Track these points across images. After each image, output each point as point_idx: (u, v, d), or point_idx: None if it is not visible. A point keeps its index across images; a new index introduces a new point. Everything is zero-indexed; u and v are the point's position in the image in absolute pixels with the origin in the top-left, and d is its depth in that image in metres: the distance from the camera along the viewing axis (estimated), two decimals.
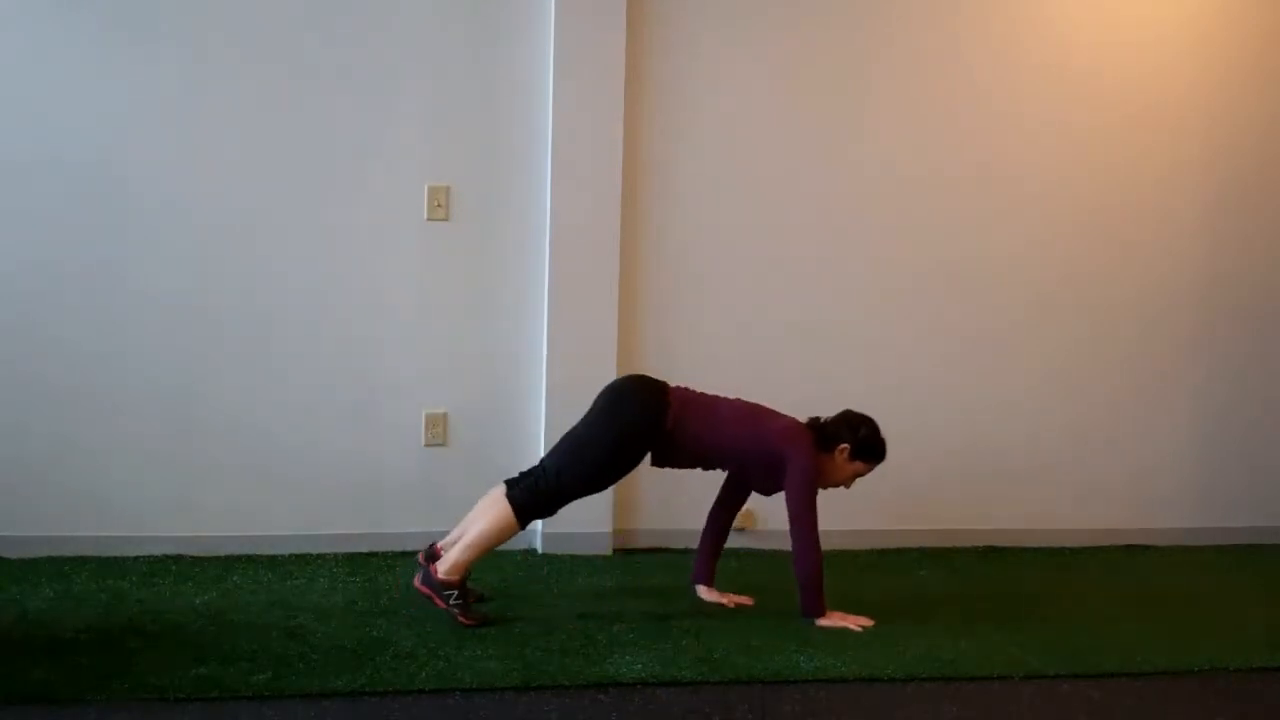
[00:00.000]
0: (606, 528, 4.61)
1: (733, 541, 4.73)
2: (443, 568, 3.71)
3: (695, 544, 4.72)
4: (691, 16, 4.64)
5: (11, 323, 4.22)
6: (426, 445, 4.53)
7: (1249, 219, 5.17)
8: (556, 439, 4.46)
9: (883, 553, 4.82)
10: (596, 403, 3.86)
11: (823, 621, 3.82)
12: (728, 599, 4.03)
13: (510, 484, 3.80)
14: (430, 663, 3.37)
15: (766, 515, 4.76)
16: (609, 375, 4.53)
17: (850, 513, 4.84)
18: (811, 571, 3.80)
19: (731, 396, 3.97)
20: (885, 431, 4.82)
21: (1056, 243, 5.00)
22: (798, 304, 4.79)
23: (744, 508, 4.73)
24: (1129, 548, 5.07)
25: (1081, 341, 5.06)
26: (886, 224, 4.85)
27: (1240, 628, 4.02)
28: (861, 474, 3.98)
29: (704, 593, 4.07)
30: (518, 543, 4.58)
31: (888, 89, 4.82)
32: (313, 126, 4.39)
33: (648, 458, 3.86)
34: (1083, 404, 5.08)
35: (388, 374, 4.51)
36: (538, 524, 4.57)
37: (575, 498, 3.80)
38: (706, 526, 4.12)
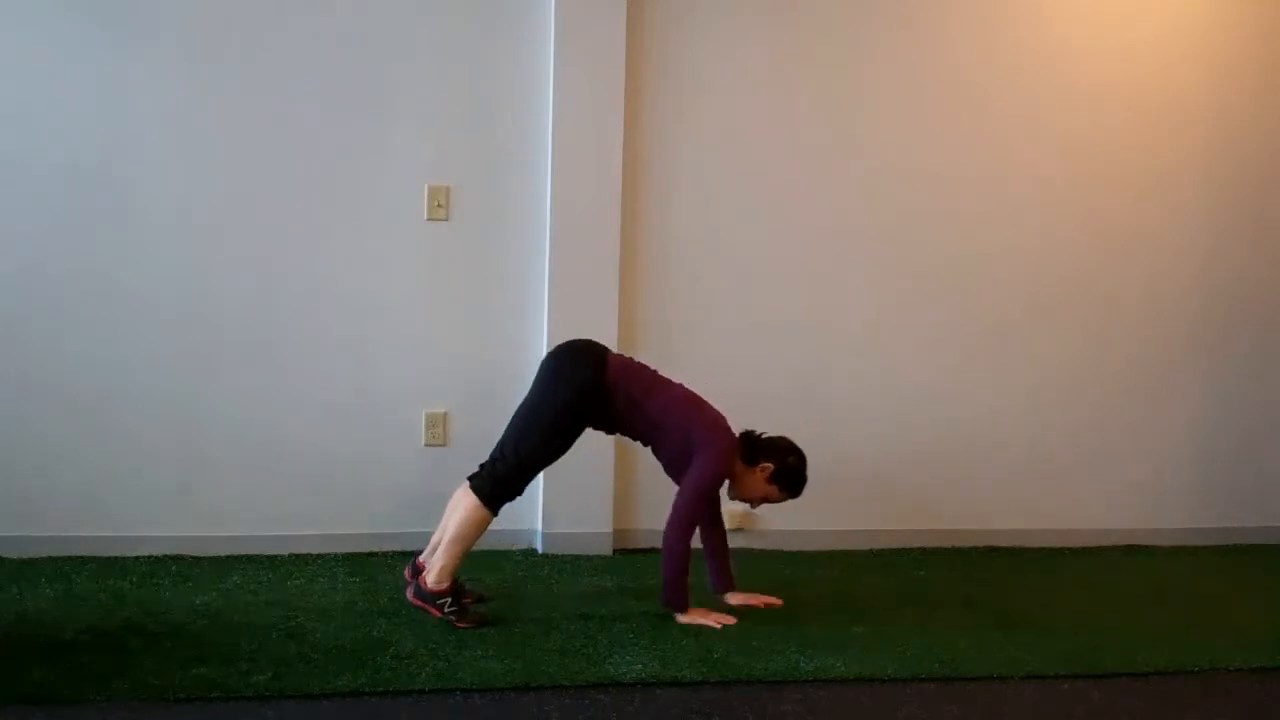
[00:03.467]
0: (606, 528, 4.61)
1: (731, 541, 4.74)
2: (431, 577, 3.71)
3: (695, 544, 4.72)
4: (692, 16, 4.64)
5: (11, 323, 4.23)
6: (426, 445, 4.53)
7: (1249, 219, 5.17)
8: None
9: (883, 553, 4.81)
10: (540, 370, 3.84)
11: (682, 618, 3.79)
12: (757, 600, 4.02)
13: (473, 477, 3.79)
14: (430, 663, 3.37)
15: (767, 515, 4.77)
16: None
17: (851, 512, 4.86)
18: (677, 567, 3.76)
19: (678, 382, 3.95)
20: (886, 429, 4.87)
21: (1057, 242, 5.00)
22: (798, 303, 4.79)
23: (742, 508, 4.74)
24: (1129, 548, 5.07)
25: (1081, 341, 5.06)
26: (887, 223, 4.85)
27: (1240, 628, 4.02)
28: (771, 499, 3.95)
29: (732, 599, 4.03)
30: (518, 542, 4.60)
31: (889, 87, 4.82)
32: (313, 127, 4.39)
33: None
34: (1083, 404, 5.08)
35: (388, 374, 4.51)
36: (538, 525, 4.58)
37: (537, 471, 3.79)
38: (701, 534, 4.05)
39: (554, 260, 4.52)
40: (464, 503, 3.73)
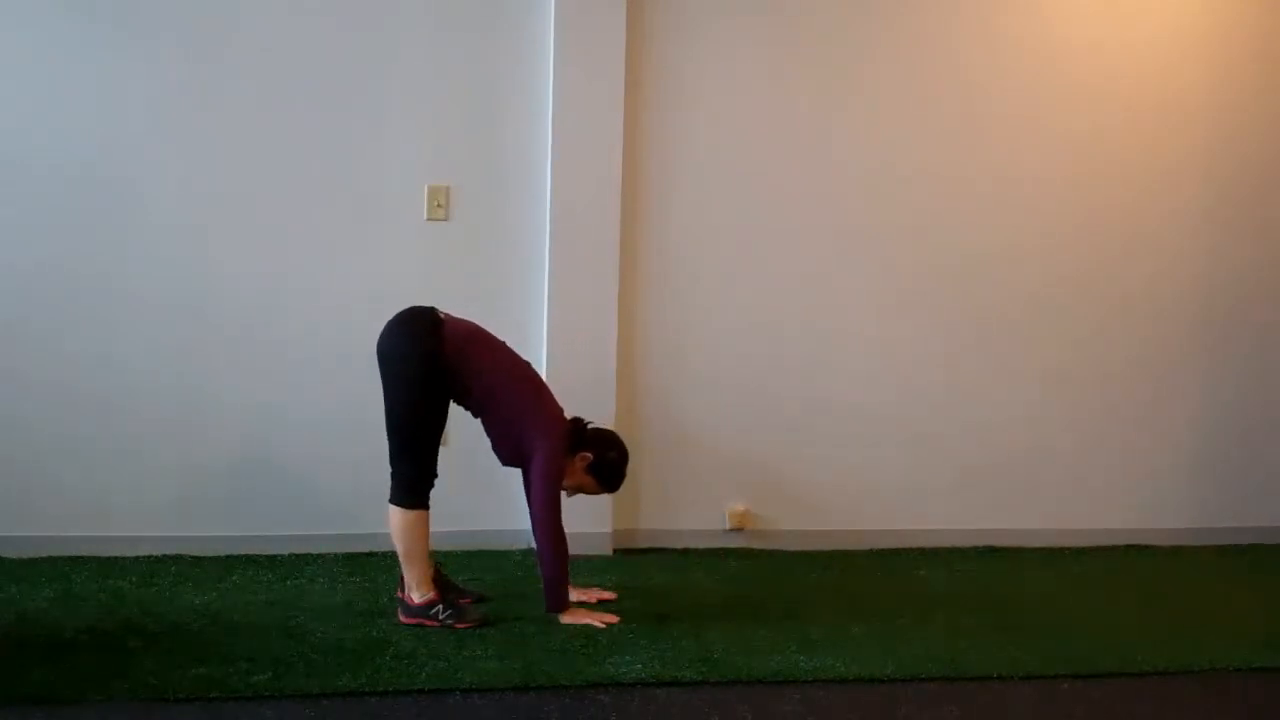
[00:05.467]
0: (606, 528, 4.60)
1: (731, 541, 4.75)
2: (414, 594, 3.70)
3: (694, 544, 4.73)
4: (691, 16, 4.63)
5: (11, 322, 4.23)
6: None
7: (1249, 219, 5.16)
8: None
9: (883, 553, 4.81)
10: (377, 354, 3.73)
11: (565, 618, 3.75)
12: (590, 595, 3.97)
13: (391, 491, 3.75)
14: (430, 663, 3.37)
15: (767, 515, 4.77)
16: (609, 373, 4.56)
17: (851, 512, 4.86)
18: (556, 569, 3.71)
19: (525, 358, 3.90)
20: (885, 429, 4.87)
21: (1057, 243, 5.00)
22: (798, 302, 4.79)
23: (742, 508, 4.75)
24: (1129, 548, 5.06)
25: (1081, 341, 5.05)
26: (887, 223, 4.84)
27: (1240, 628, 4.02)
28: (586, 490, 3.91)
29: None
30: (518, 542, 4.59)
31: (889, 87, 4.81)
32: (313, 126, 4.38)
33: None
34: (1083, 404, 5.07)
35: None
36: None
37: (432, 449, 3.70)
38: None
39: (554, 260, 4.52)
40: (392, 519, 3.70)
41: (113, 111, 4.25)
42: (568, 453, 3.77)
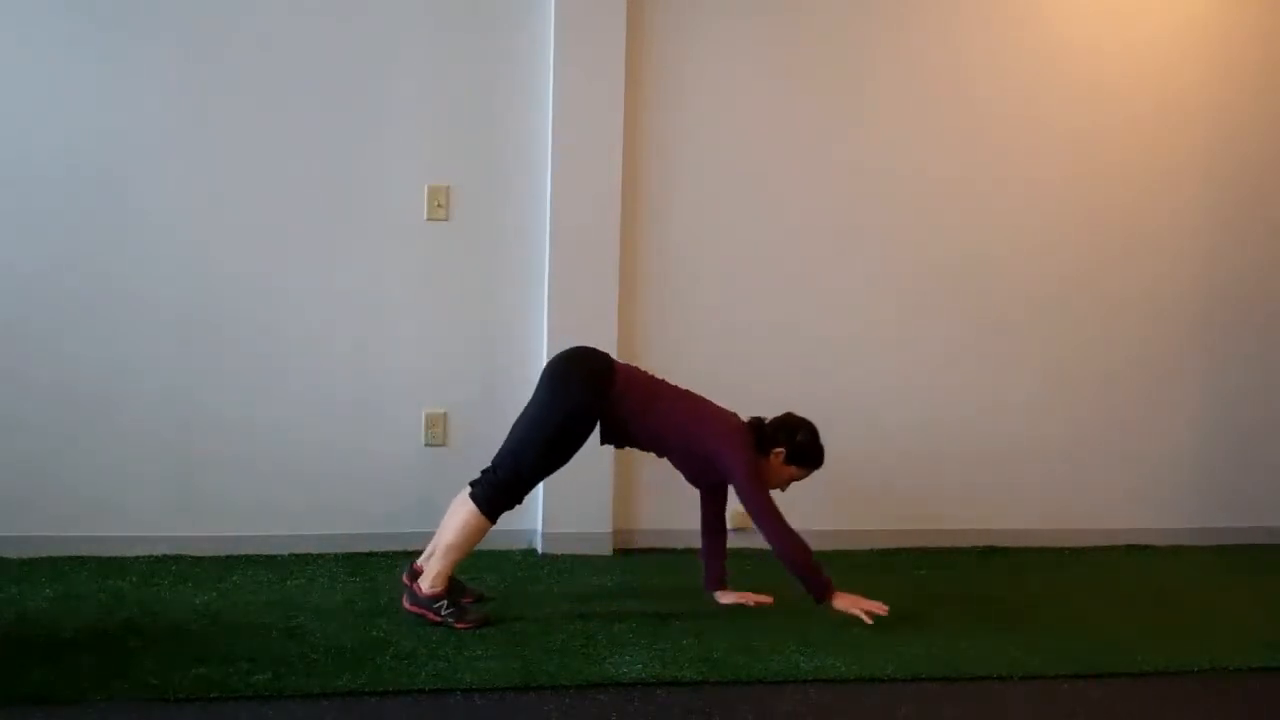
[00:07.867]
0: (606, 528, 4.61)
1: (731, 541, 4.74)
2: (425, 582, 3.70)
3: (695, 544, 4.72)
4: (692, 16, 4.64)
5: (11, 322, 4.22)
6: (426, 445, 4.53)
7: (1249, 219, 5.16)
8: None
9: (883, 553, 4.81)
10: (542, 379, 3.80)
11: (837, 604, 3.75)
12: (748, 598, 3.98)
13: (474, 483, 3.77)
14: (430, 663, 3.37)
15: None
16: None
17: (851, 512, 4.86)
18: (799, 560, 3.73)
19: (682, 386, 3.93)
20: (886, 429, 4.87)
21: (1057, 243, 5.00)
22: (799, 304, 4.79)
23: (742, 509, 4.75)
24: (1129, 548, 5.07)
25: (1081, 341, 5.06)
26: (887, 223, 4.85)
27: (1240, 628, 4.02)
28: (797, 478, 3.93)
29: (722, 597, 4.01)
30: (518, 542, 4.60)
31: (889, 87, 4.82)
32: (313, 126, 4.38)
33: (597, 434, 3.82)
34: (1083, 404, 5.07)
35: (388, 374, 4.51)
36: (538, 525, 4.58)
37: (537, 481, 3.77)
38: (702, 532, 4.08)
39: (554, 260, 4.52)
40: (462, 510, 3.71)
41: (112, 111, 4.25)
42: (759, 454, 3.81)
